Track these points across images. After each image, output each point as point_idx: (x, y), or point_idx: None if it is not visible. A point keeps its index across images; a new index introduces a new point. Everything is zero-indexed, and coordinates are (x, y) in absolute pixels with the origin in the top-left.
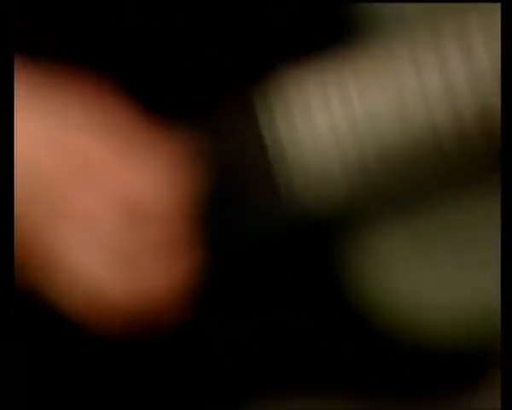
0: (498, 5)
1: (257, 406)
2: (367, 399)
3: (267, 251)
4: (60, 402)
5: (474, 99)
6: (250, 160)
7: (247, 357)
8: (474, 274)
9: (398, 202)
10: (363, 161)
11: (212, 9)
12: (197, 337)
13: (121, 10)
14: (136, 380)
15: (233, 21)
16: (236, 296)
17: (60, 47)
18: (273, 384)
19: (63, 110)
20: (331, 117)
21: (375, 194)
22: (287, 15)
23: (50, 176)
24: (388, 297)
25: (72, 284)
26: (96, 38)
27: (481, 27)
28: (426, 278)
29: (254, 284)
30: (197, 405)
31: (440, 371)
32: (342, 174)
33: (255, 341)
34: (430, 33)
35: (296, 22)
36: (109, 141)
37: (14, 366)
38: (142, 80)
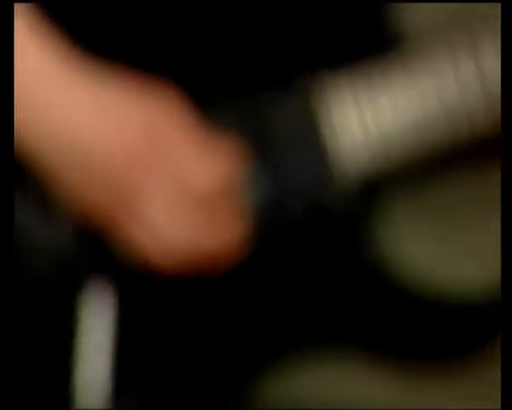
0: None
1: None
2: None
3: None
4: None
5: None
6: (301, 141)
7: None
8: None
9: (417, 181)
10: (387, 151)
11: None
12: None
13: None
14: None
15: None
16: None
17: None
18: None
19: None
20: (361, 115)
21: (399, 174)
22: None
23: (140, 144)
24: (406, 259)
25: (153, 241)
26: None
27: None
28: (438, 243)
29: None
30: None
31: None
32: (370, 162)
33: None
34: (447, 46)
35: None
36: (171, 126)
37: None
38: (198, 80)
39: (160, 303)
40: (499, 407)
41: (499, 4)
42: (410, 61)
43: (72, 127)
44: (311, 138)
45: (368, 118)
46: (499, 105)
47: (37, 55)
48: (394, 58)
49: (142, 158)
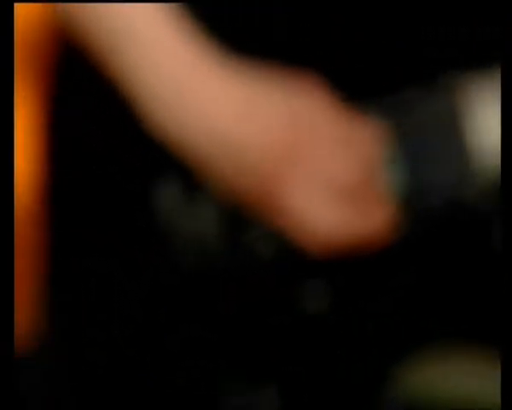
0: None
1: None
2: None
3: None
4: None
5: None
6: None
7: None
8: None
9: None
10: None
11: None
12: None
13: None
14: None
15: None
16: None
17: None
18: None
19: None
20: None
21: None
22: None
23: (288, 134)
24: None
25: (301, 223)
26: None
27: None
28: None
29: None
30: None
31: None
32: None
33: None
34: None
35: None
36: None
37: None
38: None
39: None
40: None
41: None
42: None
43: (221, 119)
44: (453, 135)
45: None
46: None
47: (180, 49)
48: None
49: (287, 149)
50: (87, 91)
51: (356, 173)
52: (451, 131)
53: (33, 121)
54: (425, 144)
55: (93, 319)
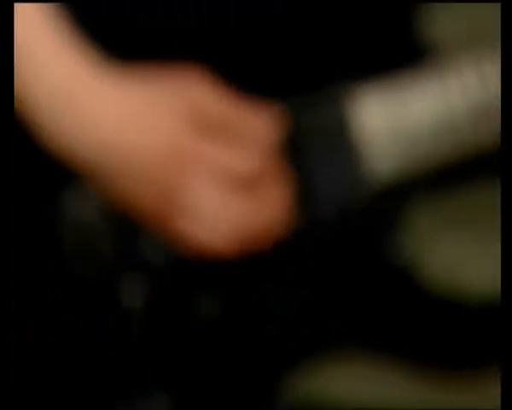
0: None
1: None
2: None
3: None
4: None
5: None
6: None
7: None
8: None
9: (433, 187)
10: (415, 156)
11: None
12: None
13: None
14: None
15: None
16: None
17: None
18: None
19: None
20: (390, 120)
21: (424, 180)
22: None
23: (178, 134)
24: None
25: (204, 228)
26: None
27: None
28: (451, 247)
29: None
30: None
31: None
32: (396, 162)
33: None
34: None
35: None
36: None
37: None
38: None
39: (189, 296)
40: None
41: None
42: (437, 69)
43: (108, 127)
44: (340, 143)
45: (396, 123)
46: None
47: (66, 60)
48: (422, 66)
49: (181, 151)
50: None
51: (251, 162)
52: (340, 138)
53: None
54: (313, 152)
55: None
